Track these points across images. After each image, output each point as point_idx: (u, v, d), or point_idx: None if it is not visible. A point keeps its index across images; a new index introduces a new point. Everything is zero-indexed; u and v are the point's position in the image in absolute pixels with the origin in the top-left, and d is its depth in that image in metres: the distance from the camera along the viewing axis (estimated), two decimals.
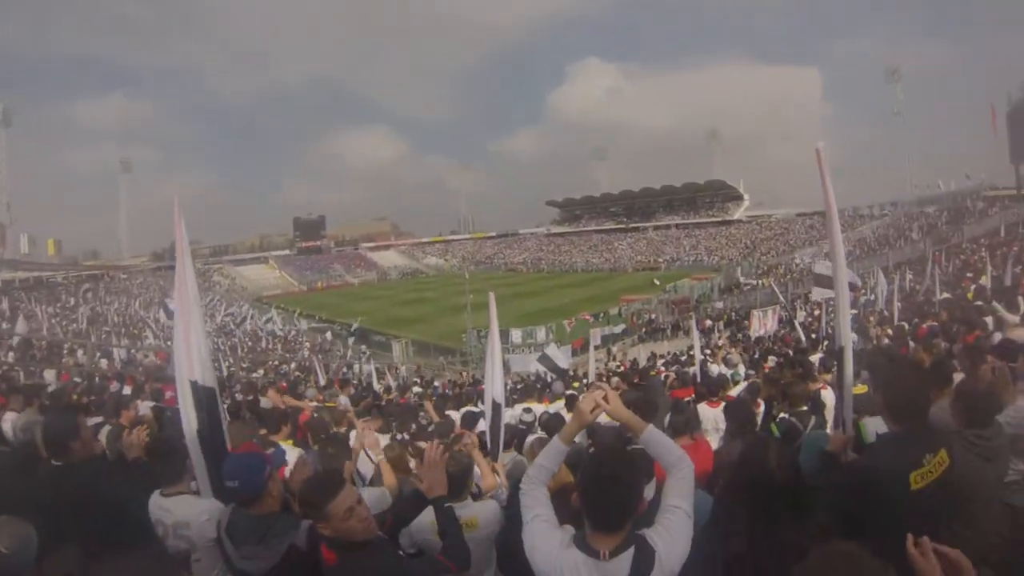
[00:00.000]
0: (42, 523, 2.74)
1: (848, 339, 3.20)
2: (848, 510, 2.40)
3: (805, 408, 5.16)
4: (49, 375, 12.02)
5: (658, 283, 53.44)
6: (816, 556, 1.68)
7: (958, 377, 4.49)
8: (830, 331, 11.40)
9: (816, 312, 20.74)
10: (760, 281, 42.52)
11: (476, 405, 9.70)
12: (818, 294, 13.93)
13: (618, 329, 35.85)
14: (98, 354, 18.11)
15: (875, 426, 3.07)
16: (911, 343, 9.56)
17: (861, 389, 4.49)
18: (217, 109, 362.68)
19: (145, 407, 7.07)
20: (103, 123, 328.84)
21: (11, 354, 15.83)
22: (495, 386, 5.11)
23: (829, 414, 5.44)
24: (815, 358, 10.06)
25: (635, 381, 12.17)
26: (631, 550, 2.05)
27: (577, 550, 2.09)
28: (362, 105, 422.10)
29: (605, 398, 2.46)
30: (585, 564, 2.05)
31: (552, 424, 5.35)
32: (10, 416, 5.73)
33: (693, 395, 7.90)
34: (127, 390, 8.92)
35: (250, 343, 36.25)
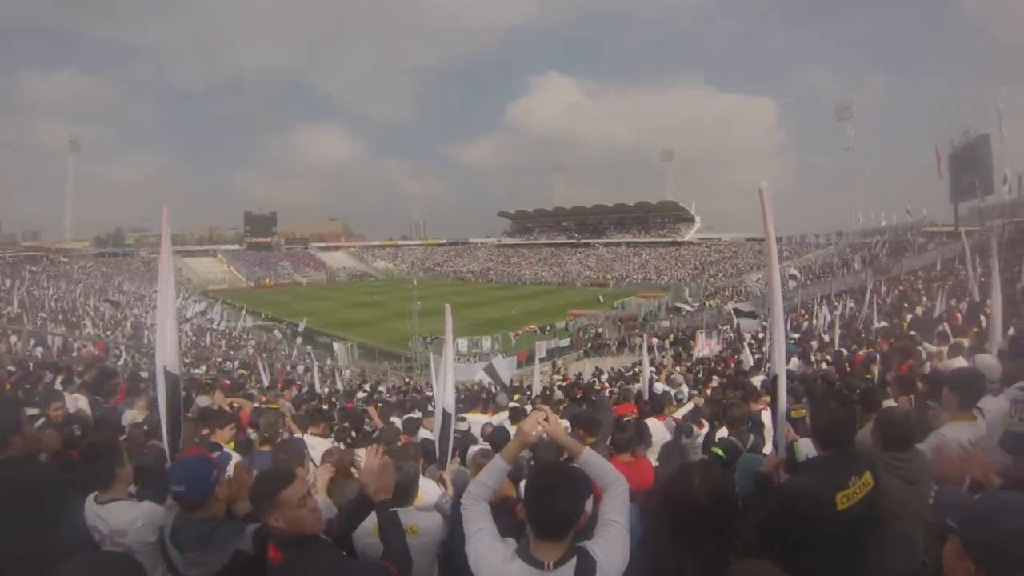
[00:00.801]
0: None
1: (782, 368, 3.33)
2: (777, 530, 2.50)
3: (745, 427, 5.34)
4: None
5: (602, 300, 54.18)
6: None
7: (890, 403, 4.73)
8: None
9: (761, 335, 21.22)
10: (707, 302, 43.26)
11: (415, 412, 9.69)
12: (747, 326, 14.27)
13: (564, 343, 36.25)
14: (33, 341, 17.43)
15: (808, 447, 3.24)
16: (848, 369, 9.93)
17: (800, 413, 4.66)
18: (173, 93, 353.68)
19: (74, 401, 6.81)
20: (51, 98, 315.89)
21: None
22: (446, 396, 5.13)
23: (768, 433, 5.64)
24: (758, 380, 10.33)
25: (577, 396, 12.32)
26: (573, 560, 2.11)
27: (521, 561, 2.13)
28: (320, 101, 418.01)
29: (547, 419, 2.57)
30: (530, 575, 2.10)
31: (497, 438, 5.41)
32: None
33: (636, 412, 8.04)
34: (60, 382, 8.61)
35: (194, 337, 35.30)
